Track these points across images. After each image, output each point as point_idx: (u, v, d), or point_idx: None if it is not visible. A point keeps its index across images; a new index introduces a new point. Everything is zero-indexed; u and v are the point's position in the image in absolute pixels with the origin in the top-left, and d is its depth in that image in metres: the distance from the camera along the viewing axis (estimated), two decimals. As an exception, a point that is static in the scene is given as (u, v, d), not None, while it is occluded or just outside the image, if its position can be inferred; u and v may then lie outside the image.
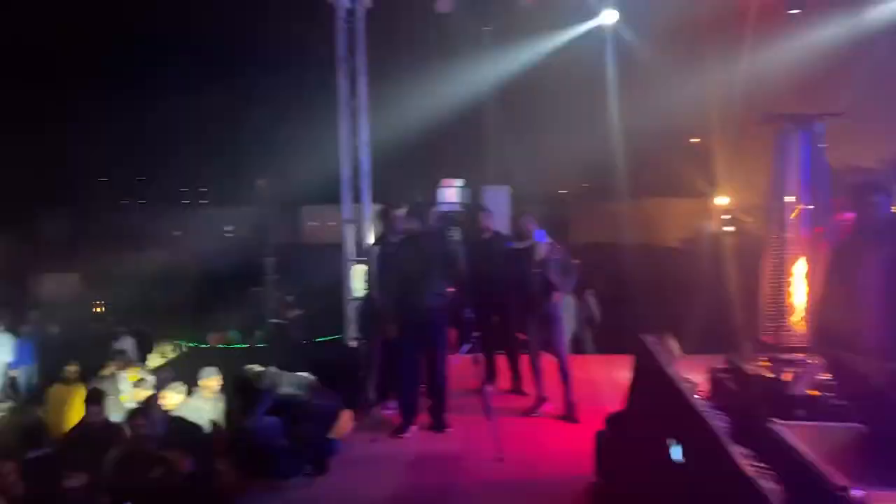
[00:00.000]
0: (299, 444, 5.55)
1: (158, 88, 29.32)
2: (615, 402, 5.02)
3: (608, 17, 10.93)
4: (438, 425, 6.38)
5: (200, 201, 35.04)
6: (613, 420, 4.66)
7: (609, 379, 7.44)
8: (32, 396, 8.82)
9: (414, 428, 6.37)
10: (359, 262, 8.82)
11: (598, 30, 11.25)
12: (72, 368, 8.67)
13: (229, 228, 31.76)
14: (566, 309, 7.03)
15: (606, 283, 11.98)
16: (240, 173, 26.93)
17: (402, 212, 6.63)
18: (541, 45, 11.48)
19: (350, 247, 9.24)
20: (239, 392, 5.87)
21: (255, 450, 5.61)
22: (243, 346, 12.18)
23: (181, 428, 6.75)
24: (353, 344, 8.49)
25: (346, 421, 6.12)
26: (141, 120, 28.05)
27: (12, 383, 10.07)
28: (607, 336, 10.48)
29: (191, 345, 12.81)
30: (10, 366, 10.15)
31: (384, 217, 6.87)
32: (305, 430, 5.56)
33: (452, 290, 6.36)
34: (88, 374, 9.00)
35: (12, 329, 10.92)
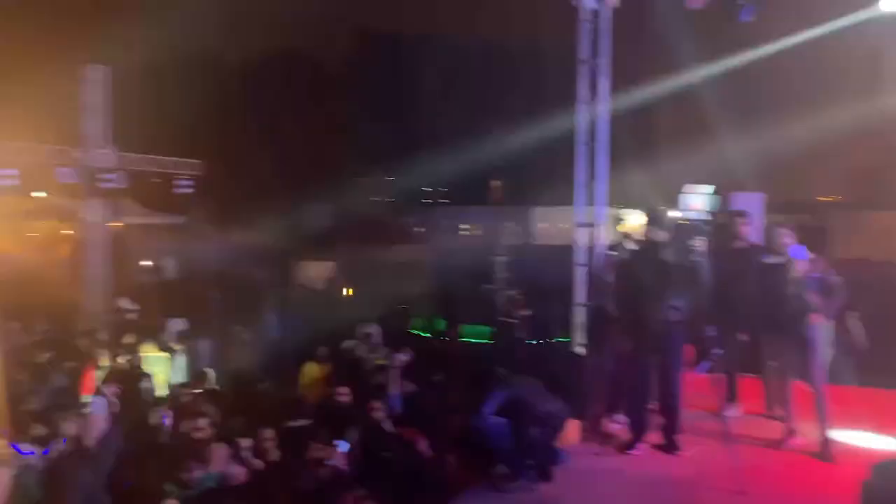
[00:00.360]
0: (525, 448, 5.54)
1: (407, 94, 31.46)
2: (883, 445, 4.35)
3: (889, 4, 9.56)
4: (670, 446, 6.03)
5: (441, 200, 36.95)
6: (884, 469, 4.03)
7: (873, 417, 6.50)
8: (291, 371, 9.80)
9: (643, 446, 6.08)
10: (590, 266, 8.62)
11: (875, 19, 9.91)
12: (323, 348, 9.54)
13: (465, 227, 33.08)
14: (824, 333, 6.26)
15: (874, 305, 10.49)
16: (477, 174, 27.90)
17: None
18: (801, 39, 10.40)
19: (581, 251, 9.07)
20: (471, 387, 6.00)
21: (482, 447, 5.71)
22: (475, 341, 12.53)
23: (419, 411, 7.12)
24: (582, 351, 8.33)
25: (572, 430, 6.01)
26: (393, 124, 30.29)
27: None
28: (873, 367, 9.18)
29: (426, 335, 13.46)
30: (275, 342, 11.43)
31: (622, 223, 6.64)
32: (531, 435, 5.53)
33: (691, 304, 5.97)
34: (337, 354, 9.85)
35: (278, 308, 12.36)
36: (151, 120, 17.77)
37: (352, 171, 29.99)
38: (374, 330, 11.36)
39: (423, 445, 6.45)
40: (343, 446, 5.84)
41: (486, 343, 12.34)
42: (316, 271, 18.31)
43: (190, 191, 13.84)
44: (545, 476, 5.53)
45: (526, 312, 12.71)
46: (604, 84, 8.70)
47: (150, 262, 19.23)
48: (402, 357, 7.39)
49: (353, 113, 29.58)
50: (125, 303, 11.25)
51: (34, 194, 15.80)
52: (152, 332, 9.74)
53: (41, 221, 20.65)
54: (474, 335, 12.94)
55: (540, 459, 5.57)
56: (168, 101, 23.51)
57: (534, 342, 11.07)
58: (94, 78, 12.00)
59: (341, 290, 15.71)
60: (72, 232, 17.37)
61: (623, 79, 9.54)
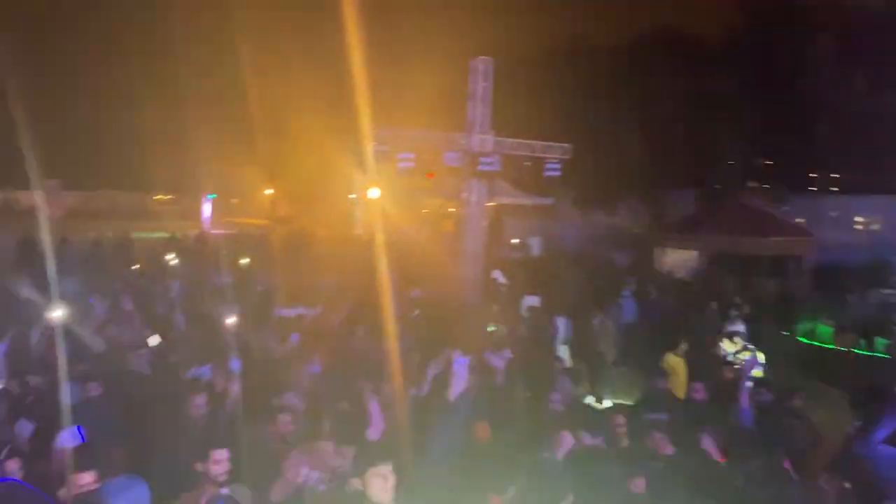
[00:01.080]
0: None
1: (795, 67, 28.17)
2: None
3: None
4: None
5: (830, 188, 32.65)
6: None
7: None
8: (646, 358, 9.48)
9: None
10: None
11: None
12: (684, 342, 9.06)
13: (859, 220, 28.80)
14: None
15: None
16: (879, 157, 23.88)
17: None
18: None
19: None
20: (858, 408, 5.11)
21: (866, 479, 4.83)
22: (866, 353, 10.81)
23: (781, 425, 6.37)
24: None
25: None
26: (775, 101, 27.40)
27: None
28: None
29: (801, 339, 12.04)
30: (631, 327, 11.21)
31: None
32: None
33: None
34: (696, 350, 9.27)
35: (636, 295, 12.12)
36: (525, 105, 18.79)
37: (727, 153, 27.94)
38: (741, 328, 10.48)
39: (786, 463, 5.71)
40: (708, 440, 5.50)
41: (881, 357, 10.56)
42: (677, 259, 17.62)
43: (557, 174, 14.23)
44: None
45: (933, 325, 10.60)
46: None
47: (518, 240, 20.61)
48: (752, 362, 6.63)
49: (730, 90, 27.40)
50: (498, 275, 12.11)
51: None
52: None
53: (431, 199, 23.55)
54: (865, 346, 11.18)
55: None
56: (541, 85, 24.56)
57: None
58: (480, 69, 13.06)
59: (708, 283, 14.86)
60: (454, 210, 19.43)
61: None
